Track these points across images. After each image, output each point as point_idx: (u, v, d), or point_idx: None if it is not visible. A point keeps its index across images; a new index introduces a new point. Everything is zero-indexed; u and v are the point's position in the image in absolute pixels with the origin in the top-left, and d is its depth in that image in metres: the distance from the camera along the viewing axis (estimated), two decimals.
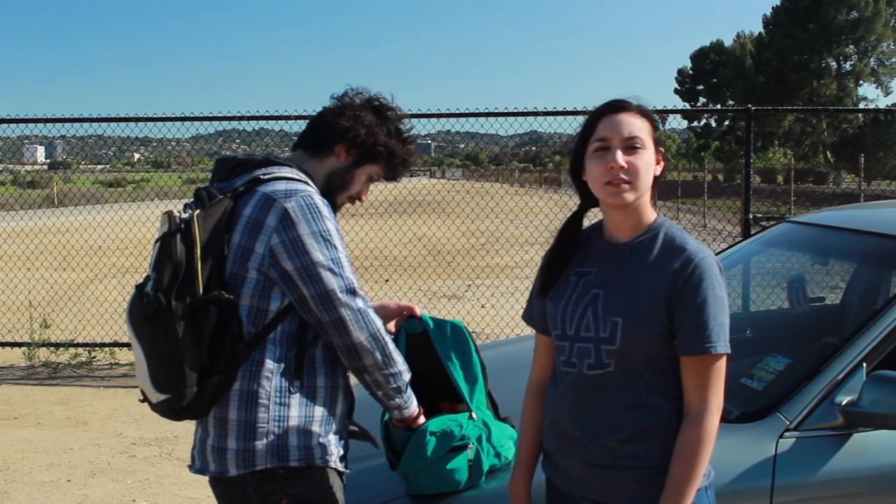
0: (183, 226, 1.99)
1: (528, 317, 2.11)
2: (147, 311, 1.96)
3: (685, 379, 1.83)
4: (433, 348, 2.32)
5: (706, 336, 1.79)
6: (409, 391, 2.15)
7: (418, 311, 2.37)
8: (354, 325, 2.00)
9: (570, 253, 1.99)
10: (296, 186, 2.05)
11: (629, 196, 1.84)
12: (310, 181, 2.12)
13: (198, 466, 2.11)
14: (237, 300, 2.01)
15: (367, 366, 2.04)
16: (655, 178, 1.90)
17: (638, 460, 1.85)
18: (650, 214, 1.92)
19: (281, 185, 2.04)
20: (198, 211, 2.01)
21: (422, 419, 2.21)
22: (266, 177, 2.06)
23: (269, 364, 2.01)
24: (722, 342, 1.80)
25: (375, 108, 2.25)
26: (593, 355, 1.88)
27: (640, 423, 1.85)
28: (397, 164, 2.28)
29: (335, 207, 2.22)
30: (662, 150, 1.92)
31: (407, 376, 2.11)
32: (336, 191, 2.22)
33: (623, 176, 1.82)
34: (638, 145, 1.84)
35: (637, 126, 1.85)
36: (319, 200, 2.05)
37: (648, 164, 1.86)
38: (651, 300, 1.83)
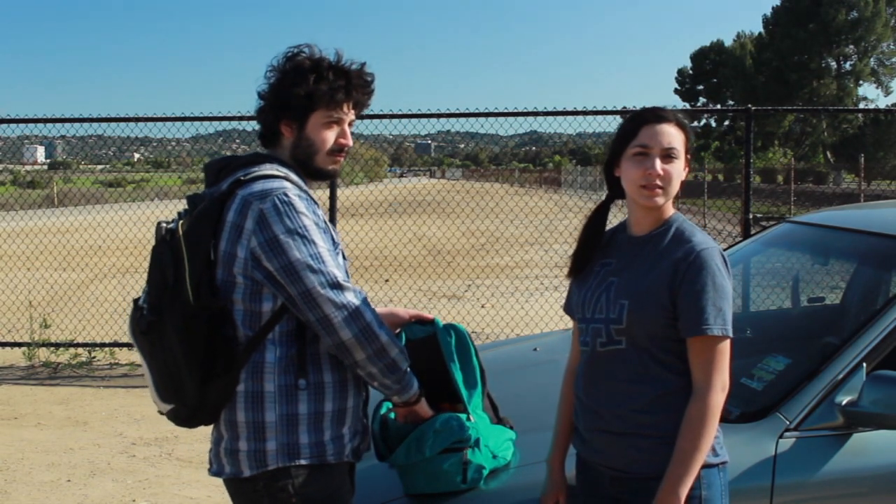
0: (168, 237, 2.02)
1: (567, 307, 2.26)
2: (142, 325, 2.03)
3: (690, 359, 1.98)
4: (433, 352, 2.30)
5: (703, 319, 1.94)
6: (408, 375, 2.10)
7: (428, 315, 2.35)
8: (341, 322, 1.96)
9: (595, 240, 2.17)
10: (271, 185, 2.02)
11: (661, 200, 2.04)
12: (290, 172, 2.10)
13: (215, 469, 2.12)
14: (231, 305, 2.02)
15: (360, 361, 2.01)
16: (682, 182, 2.08)
17: (648, 430, 1.99)
18: (668, 211, 2.09)
19: (258, 186, 2.02)
20: (181, 221, 2.05)
21: (424, 405, 2.18)
22: (246, 178, 2.06)
23: (271, 364, 2.01)
24: (718, 325, 1.94)
25: (286, 67, 2.15)
26: (604, 334, 2.06)
27: (649, 395, 2.00)
28: (336, 94, 2.11)
29: (327, 173, 2.18)
30: (689, 157, 2.09)
31: (404, 364, 2.07)
32: (310, 159, 2.15)
33: (658, 182, 2.01)
34: (674, 155, 2.02)
35: (675, 137, 2.03)
36: (295, 195, 2.01)
37: (680, 171, 2.05)
38: (655, 285, 2.00)
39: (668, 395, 1.98)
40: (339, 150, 2.17)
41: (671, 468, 1.92)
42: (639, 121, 2.05)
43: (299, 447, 2.02)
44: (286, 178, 2.06)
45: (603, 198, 2.23)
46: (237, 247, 2.00)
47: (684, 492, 1.91)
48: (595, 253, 2.17)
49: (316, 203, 2.13)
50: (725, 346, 1.96)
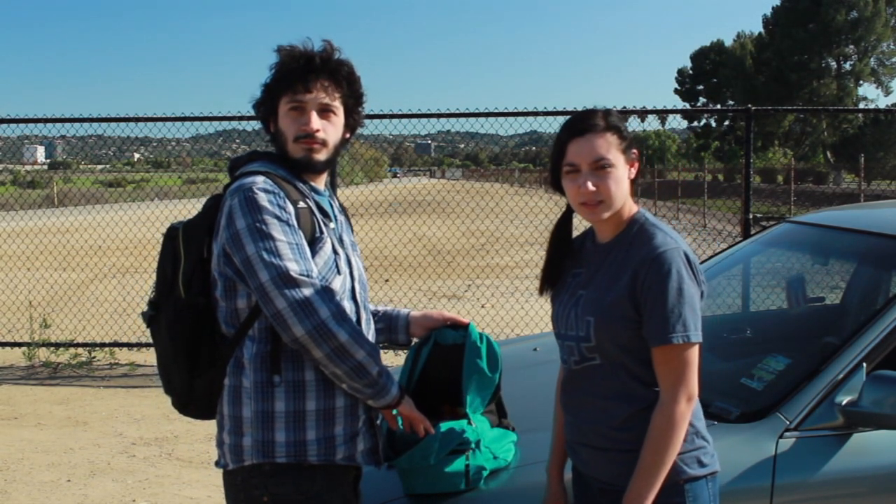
0: (174, 234, 2.10)
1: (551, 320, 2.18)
2: (145, 319, 2.12)
3: (655, 368, 1.91)
4: (456, 359, 2.28)
5: (664, 327, 1.86)
6: (382, 379, 2.03)
7: (463, 320, 2.33)
8: (292, 318, 1.91)
9: (562, 253, 2.10)
10: (244, 181, 2.02)
11: (604, 214, 1.95)
12: (277, 168, 2.09)
13: (216, 460, 2.15)
14: (214, 303, 2.06)
15: (319, 359, 1.96)
16: (632, 181, 1.98)
17: (628, 445, 1.94)
18: (629, 211, 2.00)
19: (236, 183, 2.04)
20: (186, 219, 2.12)
21: (408, 406, 2.14)
22: (237, 175, 2.09)
23: (247, 360, 2.02)
24: (679, 332, 1.85)
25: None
26: (577, 353, 2.00)
27: (626, 412, 1.95)
28: (289, 76, 2.07)
29: (299, 162, 2.09)
30: (636, 152, 1.98)
31: (374, 367, 2.01)
32: (284, 150, 2.11)
33: (595, 198, 1.92)
34: (606, 164, 1.91)
35: (603, 146, 1.92)
36: (260, 190, 1.98)
37: (619, 178, 1.94)
38: (618, 297, 1.92)
39: (646, 411, 1.91)
40: (304, 136, 2.08)
41: (633, 481, 1.86)
42: (565, 136, 1.95)
43: (274, 445, 2.00)
44: (265, 174, 2.04)
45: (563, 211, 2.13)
46: (215, 243, 2.04)
47: None
48: (565, 267, 2.10)
49: (309, 195, 2.10)
50: (690, 354, 1.87)
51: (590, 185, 1.91)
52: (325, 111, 2.11)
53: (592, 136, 1.92)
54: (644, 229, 1.96)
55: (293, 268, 1.93)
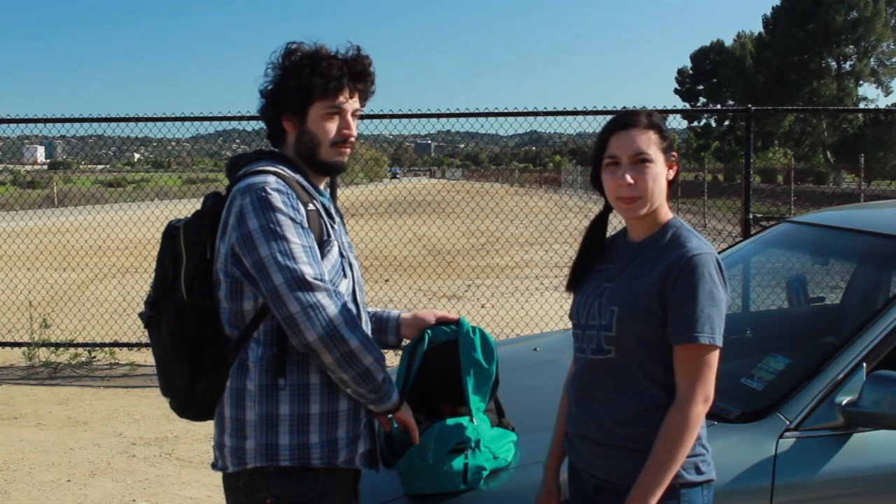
0: (174, 234, 2.07)
1: (570, 312, 2.20)
2: (143, 319, 2.10)
3: (675, 367, 1.92)
4: (452, 355, 2.28)
5: (691, 326, 1.88)
6: (385, 385, 2.04)
7: (453, 316, 2.34)
8: (305, 323, 1.90)
9: (593, 251, 2.13)
10: (255, 180, 1.99)
11: (641, 210, 1.98)
12: (286, 168, 2.08)
13: (213, 462, 2.14)
14: (217, 304, 2.03)
15: (329, 364, 1.96)
16: (669, 183, 2.02)
17: (630, 443, 1.95)
18: (664, 215, 2.04)
19: (245, 182, 2.01)
20: (186, 218, 2.10)
21: (405, 412, 2.14)
22: (242, 174, 2.06)
23: (252, 363, 2.01)
24: (706, 333, 1.87)
25: (283, 63, 2.13)
26: (595, 342, 2.02)
27: (634, 408, 1.96)
28: (331, 83, 2.08)
29: (333, 166, 2.13)
30: (675, 154, 2.02)
31: (380, 374, 2.01)
32: (314, 153, 2.11)
33: (632, 193, 1.96)
34: (646, 160, 1.95)
35: (644, 141, 1.96)
36: (274, 190, 1.97)
37: (657, 175, 1.97)
38: (646, 291, 1.95)
39: (654, 410, 1.93)
40: (342, 140, 2.12)
41: (642, 477, 1.87)
42: (608, 130, 2.01)
43: (278, 448, 1.99)
44: (276, 174, 2.02)
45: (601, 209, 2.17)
46: (223, 243, 2.01)
47: (652, 502, 1.86)
48: (594, 264, 2.13)
49: (316, 197, 2.10)
50: (713, 357, 1.89)
51: (628, 178, 1.95)
52: (353, 115, 2.16)
53: (635, 130, 1.97)
54: (679, 233, 2.00)
55: (308, 271, 1.92)
